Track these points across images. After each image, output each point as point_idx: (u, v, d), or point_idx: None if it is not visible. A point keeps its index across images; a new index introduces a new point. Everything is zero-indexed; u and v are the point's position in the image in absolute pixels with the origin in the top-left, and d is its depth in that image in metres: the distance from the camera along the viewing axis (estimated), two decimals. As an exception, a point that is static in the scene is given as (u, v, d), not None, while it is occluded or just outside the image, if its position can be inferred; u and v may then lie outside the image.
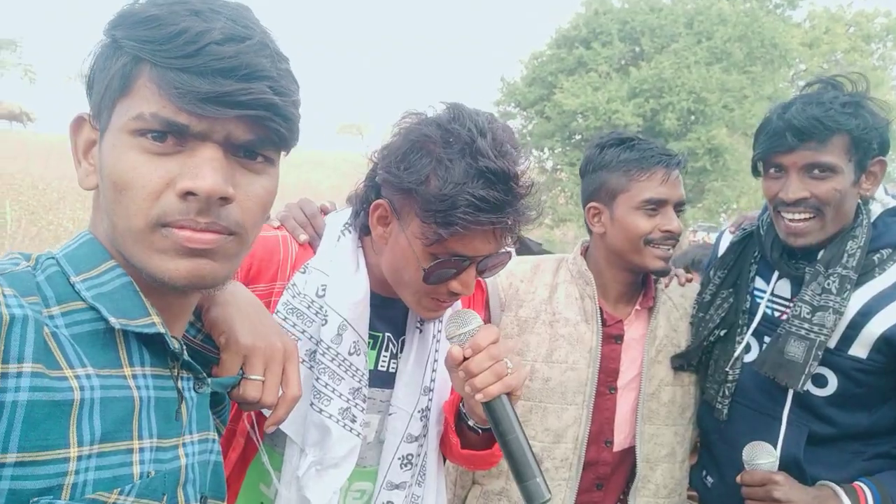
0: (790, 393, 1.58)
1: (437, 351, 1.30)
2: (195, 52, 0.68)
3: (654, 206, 1.63)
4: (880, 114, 1.57)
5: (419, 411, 1.26)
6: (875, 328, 1.51)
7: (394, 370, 1.27)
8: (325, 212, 1.32)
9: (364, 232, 1.24)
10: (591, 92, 18.92)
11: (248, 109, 0.70)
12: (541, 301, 1.73)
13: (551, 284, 1.75)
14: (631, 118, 18.34)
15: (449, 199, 1.03)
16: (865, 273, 1.56)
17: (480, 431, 1.26)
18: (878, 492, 1.52)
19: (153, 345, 0.75)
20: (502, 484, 1.68)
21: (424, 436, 1.28)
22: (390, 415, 1.25)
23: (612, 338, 1.71)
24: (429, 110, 1.15)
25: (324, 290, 1.18)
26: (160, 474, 0.73)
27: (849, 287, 1.53)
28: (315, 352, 1.17)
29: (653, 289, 1.77)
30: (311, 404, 1.16)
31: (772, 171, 1.60)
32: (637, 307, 1.75)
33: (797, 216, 1.56)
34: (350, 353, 1.18)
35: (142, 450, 0.72)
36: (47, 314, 0.68)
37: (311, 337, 1.18)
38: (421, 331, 1.29)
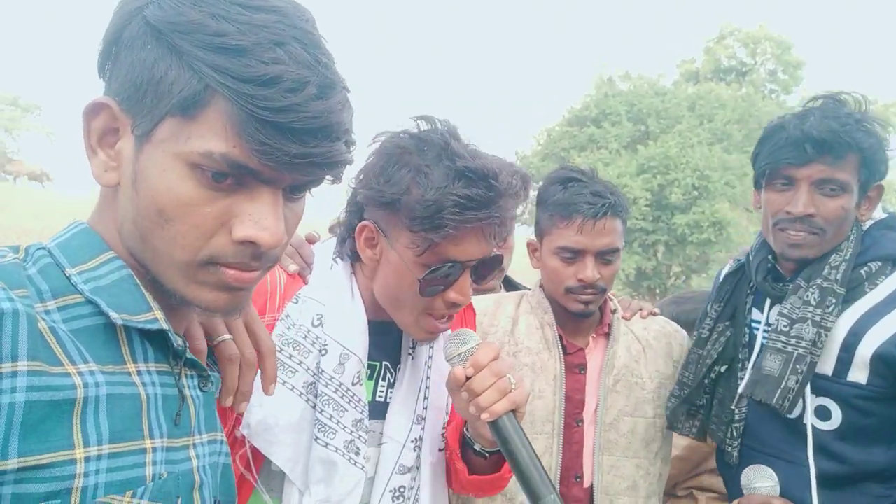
0: (809, 433, 1.47)
1: (428, 378, 1.26)
2: (288, 108, 0.61)
3: (570, 255, 1.60)
4: (883, 135, 1.50)
5: (412, 441, 1.21)
6: (866, 348, 1.41)
7: (391, 400, 1.24)
8: (311, 241, 1.29)
9: (354, 258, 1.22)
10: (602, 167, 19.87)
11: (327, 169, 0.68)
12: (503, 333, 1.71)
13: (513, 317, 1.74)
14: (640, 192, 19.33)
15: (434, 203, 1.03)
16: (854, 289, 1.46)
17: (488, 455, 1.21)
18: None
19: (156, 340, 0.71)
20: None
21: (417, 468, 1.22)
22: (381, 444, 1.20)
23: (575, 367, 1.69)
24: (399, 128, 1.15)
25: (320, 319, 1.14)
26: (173, 476, 0.70)
27: (833, 300, 1.44)
28: (314, 384, 1.13)
29: (608, 315, 1.75)
30: (317, 438, 1.11)
31: (779, 183, 1.50)
32: (594, 334, 1.74)
33: (800, 233, 1.48)
34: (353, 384, 1.14)
35: (154, 449, 0.68)
36: (42, 308, 0.63)
37: (308, 369, 1.13)
38: (413, 357, 1.25)
